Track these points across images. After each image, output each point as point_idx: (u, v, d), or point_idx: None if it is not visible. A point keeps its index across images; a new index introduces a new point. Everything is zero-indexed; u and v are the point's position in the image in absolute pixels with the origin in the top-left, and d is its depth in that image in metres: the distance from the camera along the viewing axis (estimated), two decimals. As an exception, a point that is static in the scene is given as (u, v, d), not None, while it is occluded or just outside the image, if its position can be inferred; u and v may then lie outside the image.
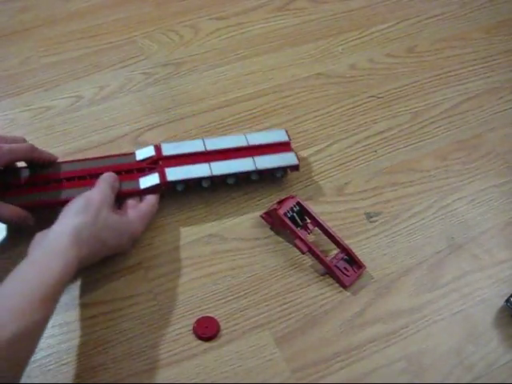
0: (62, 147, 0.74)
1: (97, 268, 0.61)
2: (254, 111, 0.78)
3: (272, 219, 0.64)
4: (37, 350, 0.55)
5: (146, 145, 0.74)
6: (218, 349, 0.56)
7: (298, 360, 0.55)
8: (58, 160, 0.67)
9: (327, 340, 0.57)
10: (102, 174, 0.64)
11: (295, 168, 0.68)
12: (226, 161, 0.66)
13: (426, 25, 0.92)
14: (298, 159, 0.68)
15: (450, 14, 0.94)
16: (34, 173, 0.65)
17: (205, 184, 0.66)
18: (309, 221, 0.63)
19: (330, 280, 0.61)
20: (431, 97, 0.81)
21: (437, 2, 0.97)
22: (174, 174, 0.65)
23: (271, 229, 0.65)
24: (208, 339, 0.56)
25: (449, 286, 0.61)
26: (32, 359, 0.55)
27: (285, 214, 0.62)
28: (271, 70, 0.84)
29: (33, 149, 0.63)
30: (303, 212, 0.63)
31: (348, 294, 0.60)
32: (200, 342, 0.56)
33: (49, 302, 0.48)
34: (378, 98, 0.80)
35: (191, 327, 0.57)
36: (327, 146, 0.74)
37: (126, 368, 0.55)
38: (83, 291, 0.60)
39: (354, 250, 0.62)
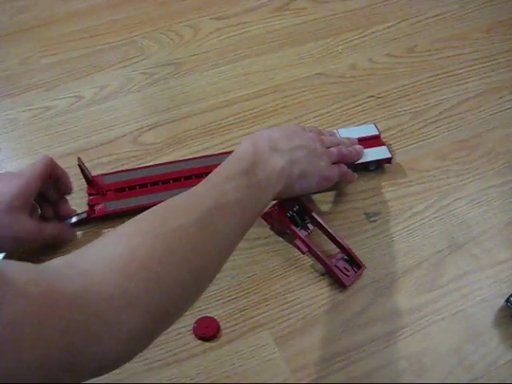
0: (61, 147, 0.74)
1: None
2: (254, 111, 0.78)
3: (272, 219, 0.64)
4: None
5: (145, 145, 0.74)
6: (218, 349, 0.56)
7: (298, 360, 0.55)
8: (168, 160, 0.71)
9: (327, 340, 0.57)
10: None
11: (388, 161, 0.70)
12: None
13: (426, 25, 0.92)
14: (391, 152, 0.70)
15: (449, 13, 0.94)
16: (138, 176, 0.68)
17: None
18: (309, 221, 0.63)
19: (330, 280, 0.61)
20: (431, 97, 0.81)
21: (437, 1, 0.97)
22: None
23: (271, 229, 0.65)
24: (208, 339, 0.56)
25: (449, 285, 0.61)
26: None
27: (285, 214, 0.62)
28: (271, 70, 0.84)
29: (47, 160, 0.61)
30: (303, 212, 0.63)
31: (348, 293, 0.60)
32: (200, 341, 0.56)
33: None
34: (378, 97, 0.80)
35: (191, 327, 0.57)
36: (327, 146, 0.74)
37: (126, 368, 0.54)
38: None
39: (353, 250, 0.62)
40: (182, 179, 0.68)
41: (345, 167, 0.65)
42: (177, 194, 0.65)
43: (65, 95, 0.81)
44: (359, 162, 0.69)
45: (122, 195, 0.67)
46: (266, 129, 0.61)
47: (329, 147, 0.64)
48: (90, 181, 0.67)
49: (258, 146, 0.56)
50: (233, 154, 0.55)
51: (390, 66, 0.85)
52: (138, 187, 0.67)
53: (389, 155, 0.70)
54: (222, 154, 0.71)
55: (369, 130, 0.73)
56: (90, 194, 0.67)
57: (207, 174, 0.67)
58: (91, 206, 0.66)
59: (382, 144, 0.71)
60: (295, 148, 0.58)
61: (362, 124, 0.76)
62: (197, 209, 0.47)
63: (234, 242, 0.50)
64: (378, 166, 0.71)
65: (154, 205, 0.64)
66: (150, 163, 0.71)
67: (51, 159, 0.62)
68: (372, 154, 0.70)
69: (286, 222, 0.61)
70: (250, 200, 0.51)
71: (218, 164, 0.59)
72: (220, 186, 0.50)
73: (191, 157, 0.71)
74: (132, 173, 0.69)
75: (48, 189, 0.63)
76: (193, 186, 0.63)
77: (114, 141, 0.75)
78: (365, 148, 0.70)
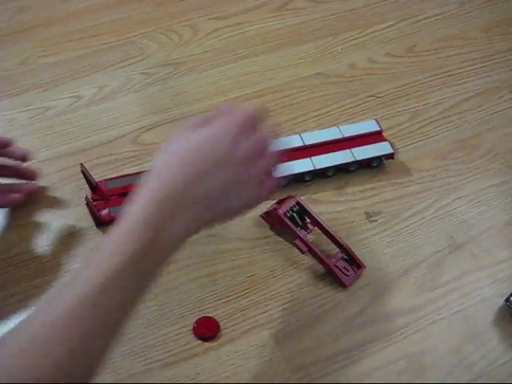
0: (61, 147, 0.74)
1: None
2: (253, 111, 0.78)
3: (272, 219, 0.64)
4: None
5: (145, 145, 0.74)
6: (217, 349, 0.56)
7: (297, 360, 0.55)
8: None
9: (327, 340, 0.57)
10: None
11: (390, 156, 0.70)
12: (325, 154, 0.70)
13: (426, 24, 0.92)
14: (393, 147, 0.71)
15: (449, 13, 0.94)
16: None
17: (307, 177, 0.69)
18: (309, 221, 0.63)
19: (330, 280, 0.61)
20: (431, 96, 0.81)
21: (436, 1, 0.97)
22: (278, 170, 0.66)
23: (271, 229, 0.65)
24: (208, 339, 0.56)
25: (448, 285, 0.61)
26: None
27: (284, 214, 0.62)
28: (270, 70, 0.84)
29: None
30: (303, 212, 0.63)
31: (348, 293, 0.60)
32: (200, 341, 0.56)
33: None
34: (378, 97, 0.80)
35: (191, 327, 0.57)
36: (327, 146, 0.74)
37: (125, 368, 0.55)
38: (83, 291, 0.60)
39: (353, 250, 0.62)
40: None
41: (271, 185, 0.53)
42: None
43: (64, 95, 0.81)
44: (364, 158, 0.69)
45: (125, 200, 0.66)
46: (185, 153, 0.47)
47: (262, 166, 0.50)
48: (94, 187, 0.67)
49: (166, 194, 0.44)
50: (132, 204, 0.45)
51: (389, 65, 0.85)
52: None
53: (391, 150, 0.70)
54: None
55: (370, 126, 0.73)
56: (94, 200, 0.66)
57: None
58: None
59: (384, 140, 0.72)
60: (213, 190, 0.46)
61: (364, 121, 0.76)
62: (84, 287, 0.40)
63: (126, 316, 0.43)
64: (381, 161, 0.71)
65: None
66: (150, 163, 0.71)
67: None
68: (374, 150, 0.70)
69: (286, 222, 0.61)
70: (142, 268, 0.42)
71: None
72: (106, 262, 0.41)
73: None
74: (135, 177, 0.69)
75: None
76: None
77: (114, 141, 0.75)
78: (367, 144, 0.70)
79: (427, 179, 0.70)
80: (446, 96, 0.81)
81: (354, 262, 0.61)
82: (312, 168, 0.68)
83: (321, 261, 0.61)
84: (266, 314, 0.58)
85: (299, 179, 0.69)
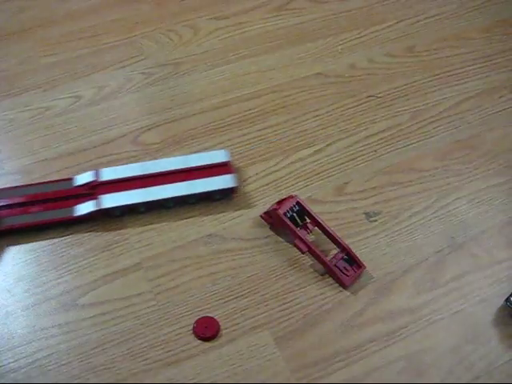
0: (61, 147, 0.74)
1: (96, 268, 0.61)
2: (253, 111, 0.78)
3: (272, 219, 0.64)
4: (37, 351, 0.55)
5: (145, 145, 0.74)
6: (218, 349, 0.56)
7: (298, 360, 0.55)
8: None
9: (327, 340, 0.57)
10: (40, 200, 0.65)
11: (232, 191, 0.67)
12: (162, 185, 0.66)
13: (425, 24, 0.92)
14: (237, 181, 0.67)
15: (448, 13, 0.94)
16: None
17: (142, 209, 0.66)
18: (309, 221, 0.63)
19: (330, 280, 0.61)
20: (430, 96, 0.81)
21: (436, 1, 0.97)
22: (111, 200, 0.65)
23: (271, 229, 0.65)
24: (208, 339, 0.56)
25: (448, 285, 0.61)
26: (32, 359, 0.55)
27: (284, 214, 0.62)
28: (270, 70, 0.84)
29: None
30: (303, 212, 0.63)
31: (348, 293, 0.60)
32: (200, 341, 0.56)
33: None
34: (378, 97, 0.81)
35: (191, 327, 0.57)
36: (327, 146, 0.74)
37: (125, 368, 0.55)
38: (83, 291, 0.60)
39: (353, 250, 0.62)
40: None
41: None
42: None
43: (64, 95, 0.81)
44: (202, 191, 0.66)
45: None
46: None
47: None
48: None
49: None
50: None
51: (389, 65, 0.85)
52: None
53: (233, 184, 0.66)
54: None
55: (219, 157, 0.69)
56: None
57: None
58: None
59: (230, 172, 0.67)
60: None
61: (214, 150, 0.72)
62: None
63: None
64: (226, 195, 0.67)
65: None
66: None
67: None
68: (216, 183, 0.66)
69: (286, 221, 0.61)
70: None
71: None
72: None
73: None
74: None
75: None
76: None
77: (114, 141, 0.75)
78: (211, 176, 0.67)
79: (427, 179, 0.70)
80: (446, 96, 0.81)
81: (353, 262, 0.62)
82: (145, 199, 0.65)
83: (321, 261, 0.61)
84: (266, 314, 0.58)
85: (134, 211, 0.66)
